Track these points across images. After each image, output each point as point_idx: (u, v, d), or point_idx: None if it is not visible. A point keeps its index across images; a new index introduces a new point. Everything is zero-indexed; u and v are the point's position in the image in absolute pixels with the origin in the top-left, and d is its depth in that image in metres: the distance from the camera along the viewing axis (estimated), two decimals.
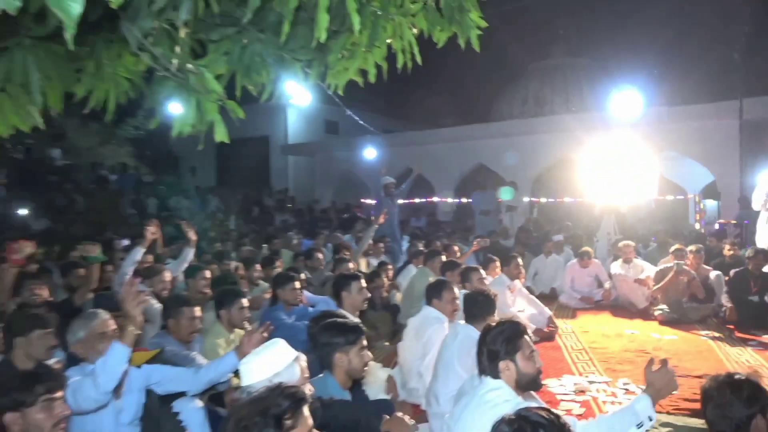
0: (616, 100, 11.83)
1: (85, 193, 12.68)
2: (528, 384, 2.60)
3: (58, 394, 2.23)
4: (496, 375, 2.59)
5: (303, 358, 2.56)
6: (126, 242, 8.36)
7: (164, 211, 13.37)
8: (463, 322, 3.91)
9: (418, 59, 3.11)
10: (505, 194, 12.28)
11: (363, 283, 4.59)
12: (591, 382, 4.79)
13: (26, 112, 2.58)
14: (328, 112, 19.47)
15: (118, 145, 18.78)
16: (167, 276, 4.98)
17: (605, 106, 12.70)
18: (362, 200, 17.39)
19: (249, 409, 1.71)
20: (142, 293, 2.84)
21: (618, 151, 9.41)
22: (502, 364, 2.58)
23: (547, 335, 6.19)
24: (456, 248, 7.66)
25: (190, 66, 2.35)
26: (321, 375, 2.93)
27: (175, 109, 2.63)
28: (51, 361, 3.09)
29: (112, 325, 3.03)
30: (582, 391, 4.57)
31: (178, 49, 2.30)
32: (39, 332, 3.01)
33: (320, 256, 7.24)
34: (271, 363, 2.43)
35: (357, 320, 3.22)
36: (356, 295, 4.48)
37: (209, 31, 2.63)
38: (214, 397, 3.82)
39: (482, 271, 5.52)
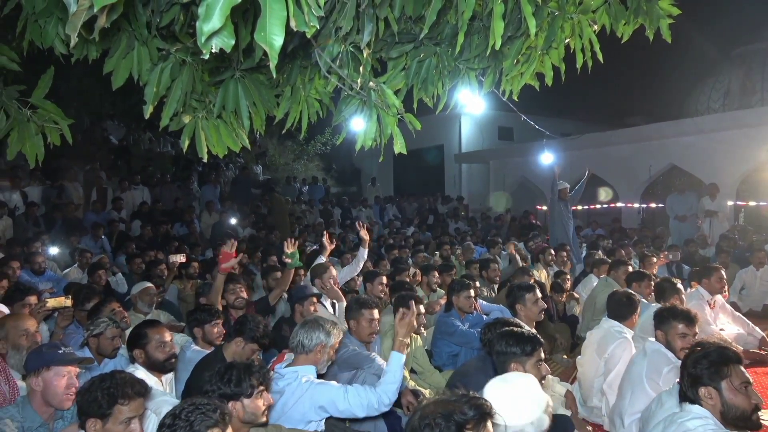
0: None
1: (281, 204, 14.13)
2: (738, 420, 2.30)
3: (263, 386, 2.56)
4: (696, 402, 2.35)
5: (551, 404, 2.23)
6: (315, 247, 9.18)
7: (347, 220, 14.36)
8: (653, 339, 3.58)
9: (600, 57, 2.95)
10: None
11: (538, 293, 4.44)
12: None
13: (237, 134, 2.98)
14: (502, 119, 19.24)
15: (308, 160, 20.72)
16: (333, 272, 5.37)
17: None
18: (537, 207, 16.81)
19: (435, 409, 1.75)
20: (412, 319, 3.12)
21: None
22: (703, 391, 2.35)
23: (758, 359, 5.36)
24: (654, 259, 7.00)
25: (372, 84, 2.52)
26: None
27: (357, 125, 2.84)
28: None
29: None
30: None
31: (362, 69, 2.48)
32: (254, 346, 3.48)
33: (496, 266, 7.16)
34: (527, 410, 2.10)
35: (534, 331, 3.12)
36: (531, 307, 4.34)
37: (389, 50, 2.80)
38: None
39: (680, 284, 4.97)
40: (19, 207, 9.75)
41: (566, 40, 2.90)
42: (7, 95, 2.65)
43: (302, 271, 6.22)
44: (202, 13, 1.34)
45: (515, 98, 3.26)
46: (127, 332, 3.59)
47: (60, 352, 2.74)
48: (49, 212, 9.99)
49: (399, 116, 2.61)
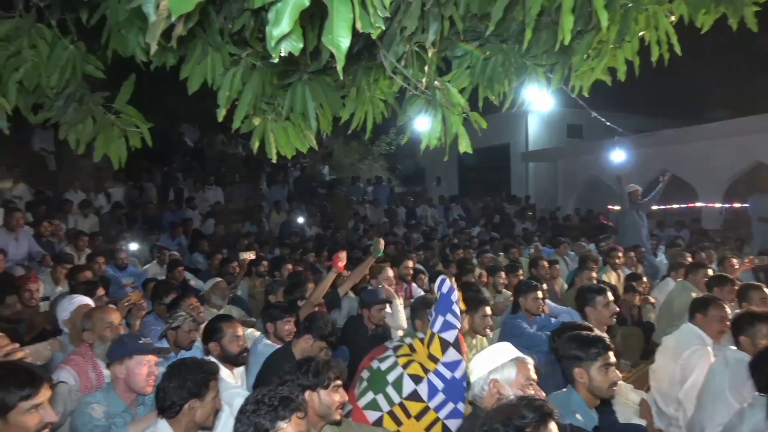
0: None
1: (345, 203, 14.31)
2: None
3: (340, 381, 2.63)
4: None
5: (529, 361, 2.60)
6: None
7: (412, 219, 14.36)
8: (734, 347, 3.37)
9: (677, 49, 2.80)
10: None
11: (610, 296, 4.26)
12: None
13: (305, 135, 3.05)
14: (570, 116, 18.59)
15: (373, 160, 20.91)
16: (390, 273, 5.39)
17: None
18: (608, 207, 16.15)
19: (493, 415, 1.73)
20: None
21: None
22: None
23: None
24: (735, 261, 6.54)
25: (437, 83, 2.51)
26: (564, 389, 2.82)
27: (422, 124, 2.84)
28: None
29: None
30: None
31: (426, 68, 2.48)
32: (322, 344, 3.58)
33: (545, 264, 7.00)
34: (488, 360, 2.60)
35: (604, 335, 3.00)
36: (602, 310, 4.17)
37: (453, 48, 2.77)
38: None
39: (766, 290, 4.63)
40: (104, 206, 10.43)
41: (640, 33, 2.78)
42: (93, 101, 2.84)
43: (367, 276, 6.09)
44: (271, 18, 1.38)
45: (585, 94, 3.15)
46: (202, 326, 3.76)
47: (141, 342, 2.93)
48: (130, 211, 10.61)
49: (464, 115, 2.59)
